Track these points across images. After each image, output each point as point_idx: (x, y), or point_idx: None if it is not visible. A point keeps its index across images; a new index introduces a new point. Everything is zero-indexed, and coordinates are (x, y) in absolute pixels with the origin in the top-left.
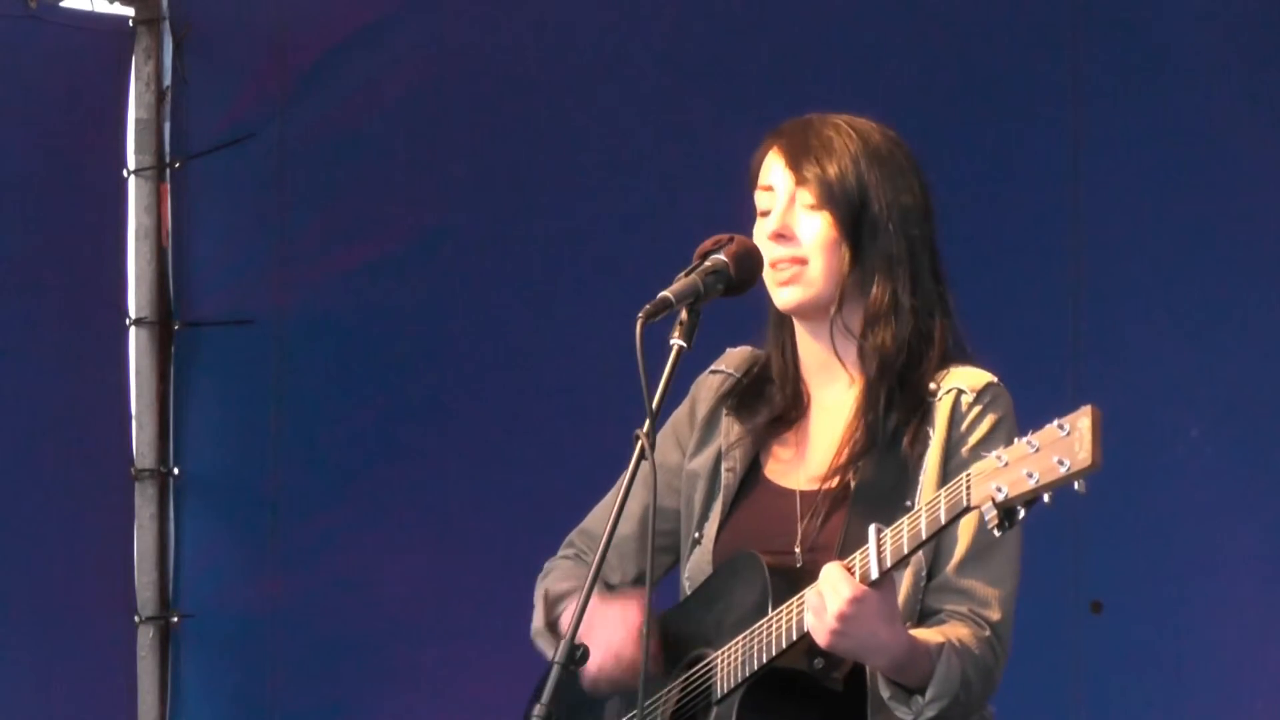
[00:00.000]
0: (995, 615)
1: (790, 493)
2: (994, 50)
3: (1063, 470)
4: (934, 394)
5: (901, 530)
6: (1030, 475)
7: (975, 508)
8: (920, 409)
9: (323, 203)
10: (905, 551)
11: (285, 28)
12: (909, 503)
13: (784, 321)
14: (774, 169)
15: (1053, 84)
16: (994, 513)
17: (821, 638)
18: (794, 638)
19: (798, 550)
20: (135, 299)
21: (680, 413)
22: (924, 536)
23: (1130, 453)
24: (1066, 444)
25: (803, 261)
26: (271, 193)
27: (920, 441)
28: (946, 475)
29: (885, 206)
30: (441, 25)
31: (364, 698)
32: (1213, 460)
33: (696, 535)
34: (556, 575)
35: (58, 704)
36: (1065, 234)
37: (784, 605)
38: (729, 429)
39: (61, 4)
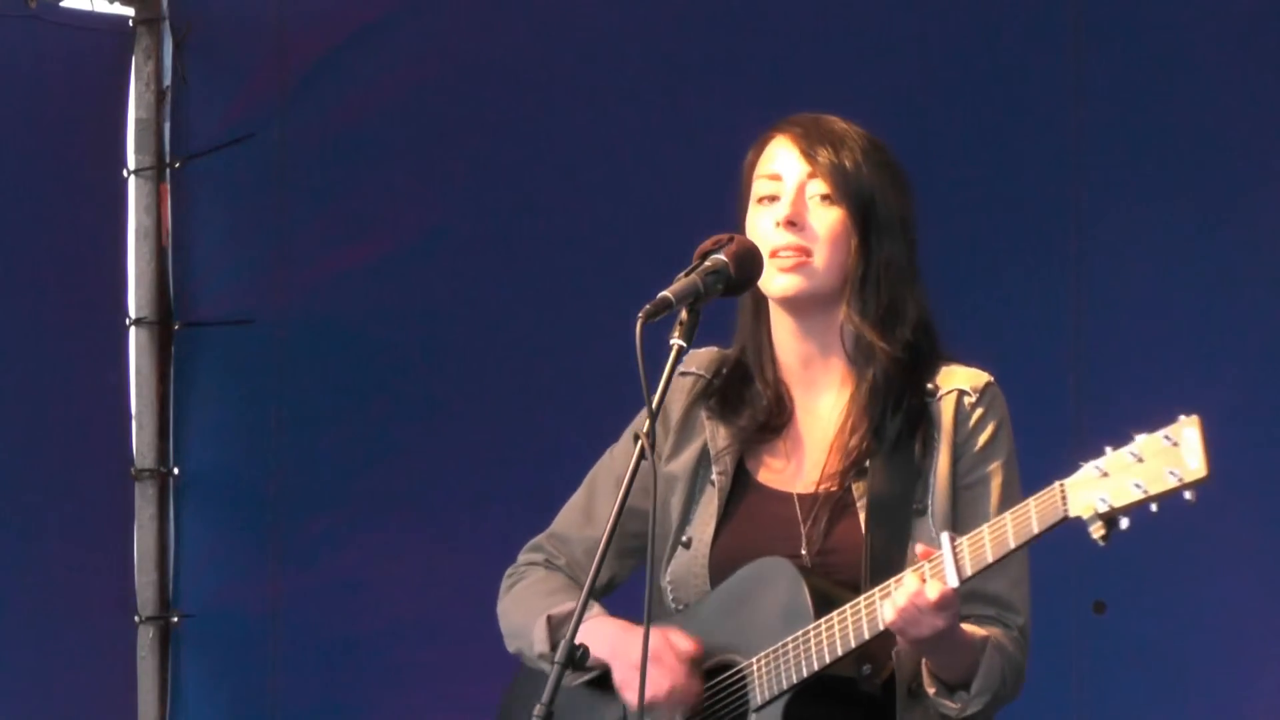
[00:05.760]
0: (1021, 618)
1: (788, 496)
2: (994, 50)
3: (1174, 481)
4: (933, 394)
5: (982, 538)
6: (1137, 485)
7: (1075, 518)
8: (923, 411)
9: (323, 203)
10: (989, 560)
11: (285, 28)
12: (918, 506)
13: (761, 321)
14: (783, 155)
15: (1053, 84)
16: (1099, 523)
17: (907, 637)
18: (851, 644)
19: (804, 554)
20: (135, 299)
21: None
22: (1012, 545)
23: None
24: (1175, 455)
25: (808, 252)
26: (271, 193)
27: (929, 445)
28: (956, 478)
29: (891, 207)
30: (441, 25)
31: (364, 698)
32: (1215, 461)
33: (684, 539)
34: (536, 588)
35: (58, 704)
36: (1065, 234)
37: (835, 612)
38: (714, 432)
39: (61, 4)
